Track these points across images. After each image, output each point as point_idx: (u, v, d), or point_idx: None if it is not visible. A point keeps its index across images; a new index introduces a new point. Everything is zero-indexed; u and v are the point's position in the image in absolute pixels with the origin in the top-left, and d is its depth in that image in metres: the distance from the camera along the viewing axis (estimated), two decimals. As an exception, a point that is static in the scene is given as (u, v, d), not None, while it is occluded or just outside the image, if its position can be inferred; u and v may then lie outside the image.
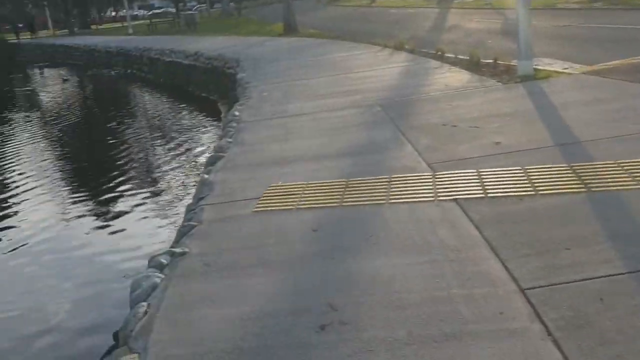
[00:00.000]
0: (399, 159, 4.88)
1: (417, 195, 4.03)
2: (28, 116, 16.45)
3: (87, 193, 8.39)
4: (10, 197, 8.51)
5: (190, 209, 4.52)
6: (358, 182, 4.44)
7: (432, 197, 3.98)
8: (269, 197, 4.38)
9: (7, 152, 11.67)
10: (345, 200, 4.11)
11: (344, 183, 4.45)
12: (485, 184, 4.08)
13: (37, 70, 30.96)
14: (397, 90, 7.88)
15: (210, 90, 15.44)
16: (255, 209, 4.17)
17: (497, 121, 5.73)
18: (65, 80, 23.65)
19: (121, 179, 8.65)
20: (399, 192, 4.13)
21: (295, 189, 4.48)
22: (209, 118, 12.70)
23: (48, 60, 34.77)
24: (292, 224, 3.83)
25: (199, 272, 3.28)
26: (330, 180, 4.54)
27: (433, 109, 6.57)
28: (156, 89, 19.41)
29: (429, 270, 2.99)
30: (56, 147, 12.03)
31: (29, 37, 46.86)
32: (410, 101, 7.17)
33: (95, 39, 35.81)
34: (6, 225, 7.34)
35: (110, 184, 8.51)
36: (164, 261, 3.45)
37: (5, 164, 10.70)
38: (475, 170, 4.35)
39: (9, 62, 38.25)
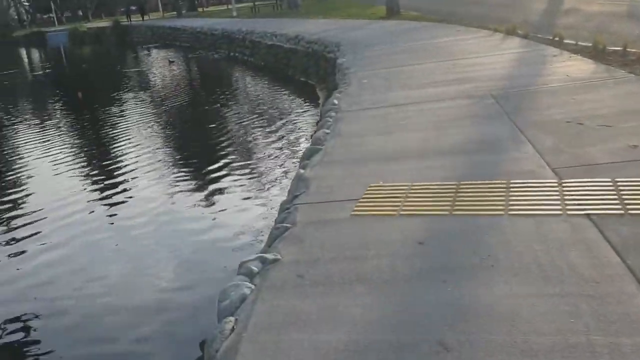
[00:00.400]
0: (518, 161, 4.33)
1: (541, 207, 3.50)
2: (135, 97, 17.00)
3: (186, 176, 8.39)
4: (112, 174, 8.69)
5: (284, 208, 4.23)
6: (471, 186, 3.95)
7: (559, 209, 3.43)
8: (368, 199, 4.00)
9: (116, 133, 12.04)
10: (456, 207, 3.65)
11: (454, 186, 3.98)
12: (623, 197, 3.48)
13: (145, 52, 32.17)
14: (512, 80, 7.20)
15: (309, 75, 15.22)
16: (354, 212, 3.80)
17: (632, 120, 5.00)
18: (171, 62, 24.31)
19: (219, 165, 8.53)
20: (520, 202, 3.61)
21: (398, 191, 4.06)
22: (307, 103, 12.47)
23: (157, 42, 36.09)
24: (394, 233, 3.42)
25: (290, 285, 2.96)
26: (438, 183, 4.09)
27: (554, 103, 5.89)
28: (257, 72, 19.48)
29: (561, 306, 2.50)
30: (160, 128, 12.26)
31: (140, 19, 48.91)
32: (527, 93, 6.50)
33: (201, 21, 36.71)
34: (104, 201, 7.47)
35: (208, 170, 8.47)
36: (255, 268, 3.16)
37: (112, 143, 11.02)
38: (610, 180, 3.74)
39: (121, 43, 40.24)
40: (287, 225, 3.69)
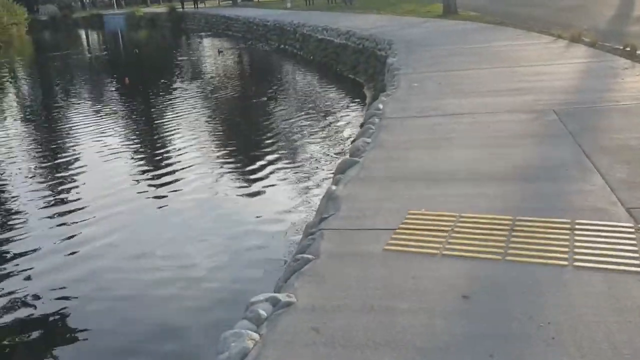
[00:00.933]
0: (585, 195, 3.71)
1: (614, 258, 2.89)
2: (181, 86, 16.75)
3: (227, 172, 8.06)
4: (149, 162, 8.40)
5: (308, 233, 3.72)
6: (528, 222, 3.37)
7: (637, 265, 2.83)
8: (406, 229, 3.46)
9: (155, 122, 11.81)
10: (511, 250, 3.07)
11: (509, 222, 3.40)
12: None
13: (198, 40, 32.08)
14: (577, 95, 6.49)
15: (357, 72, 14.65)
16: (388, 247, 3.26)
17: None
18: (220, 52, 24.06)
19: (264, 174, 8.02)
20: (587, 249, 3.01)
21: (443, 222, 3.51)
22: (353, 103, 11.92)
23: (210, 30, 36.01)
24: (434, 279, 2.88)
25: (302, 341, 2.46)
26: (491, 216, 3.51)
27: (626, 125, 5.20)
28: (305, 66, 19.00)
29: (646, 411, 1.92)
30: (200, 120, 11.92)
31: (192, 7, 48.99)
32: (595, 110, 5.80)
33: (255, 11, 36.46)
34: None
35: (246, 165, 8.18)
36: (263, 313, 2.67)
37: (149, 132, 10.77)
38: (701, 229, 3.10)
39: (176, 29, 40.46)
40: (309, 256, 3.18)
